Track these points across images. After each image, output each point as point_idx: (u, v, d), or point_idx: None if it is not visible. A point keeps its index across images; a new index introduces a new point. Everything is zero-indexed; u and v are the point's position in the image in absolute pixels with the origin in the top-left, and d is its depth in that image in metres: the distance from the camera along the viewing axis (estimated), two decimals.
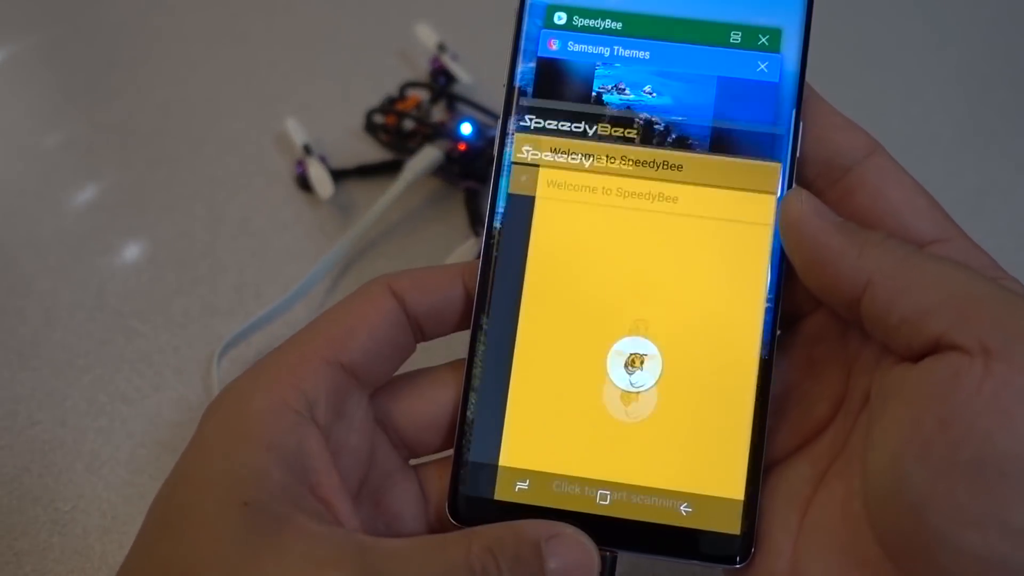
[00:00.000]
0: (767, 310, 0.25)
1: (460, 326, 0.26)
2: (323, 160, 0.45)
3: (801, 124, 0.26)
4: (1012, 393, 0.20)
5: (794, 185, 0.25)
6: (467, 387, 0.26)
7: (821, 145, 0.26)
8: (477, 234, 0.42)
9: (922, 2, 0.53)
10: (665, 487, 0.25)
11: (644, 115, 0.26)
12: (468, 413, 0.26)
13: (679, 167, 0.26)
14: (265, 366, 0.24)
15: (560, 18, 0.27)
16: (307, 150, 0.45)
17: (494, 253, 0.26)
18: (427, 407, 0.26)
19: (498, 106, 0.27)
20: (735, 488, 0.25)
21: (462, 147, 0.43)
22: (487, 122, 0.44)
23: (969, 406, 0.20)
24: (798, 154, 0.26)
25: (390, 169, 0.45)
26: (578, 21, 0.27)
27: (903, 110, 0.48)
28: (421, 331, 0.26)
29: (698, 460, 0.25)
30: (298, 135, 0.46)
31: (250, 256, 0.43)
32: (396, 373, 0.27)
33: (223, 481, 0.22)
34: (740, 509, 0.25)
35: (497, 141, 0.27)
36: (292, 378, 0.24)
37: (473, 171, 0.43)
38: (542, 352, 0.26)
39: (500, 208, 0.26)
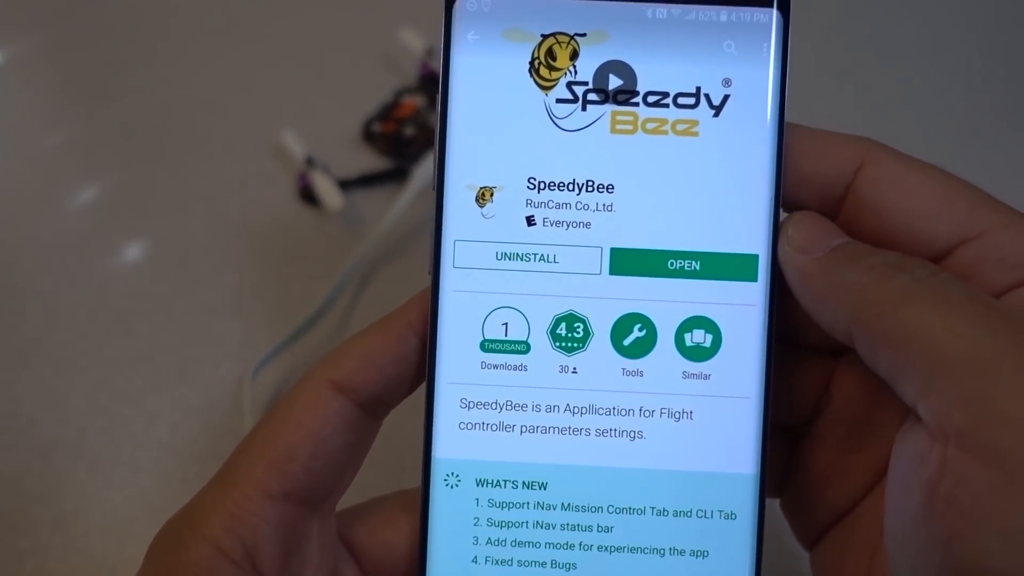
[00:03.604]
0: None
1: (421, 380, 0.23)
2: (327, 171, 0.44)
3: None
4: (969, 493, 0.17)
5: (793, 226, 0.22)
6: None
7: (807, 180, 0.23)
8: None
9: (922, 2, 0.54)
10: None
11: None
12: None
13: None
14: (203, 505, 0.22)
15: None
16: (310, 162, 0.44)
17: None
18: (403, 541, 0.24)
19: None
20: None
21: None
22: None
23: (929, 507, 0.18)
24: None
25: (394, 177, 0.45)
26: None
27: (901, 111, 0.48)
28: (386, 406, 0.23)
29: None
30: (297, 147, 0.45)
31: (251, 256, 0.43)
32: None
33: None
34: None
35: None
36: (230, 522, 0.21)
37: None
38: None
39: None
